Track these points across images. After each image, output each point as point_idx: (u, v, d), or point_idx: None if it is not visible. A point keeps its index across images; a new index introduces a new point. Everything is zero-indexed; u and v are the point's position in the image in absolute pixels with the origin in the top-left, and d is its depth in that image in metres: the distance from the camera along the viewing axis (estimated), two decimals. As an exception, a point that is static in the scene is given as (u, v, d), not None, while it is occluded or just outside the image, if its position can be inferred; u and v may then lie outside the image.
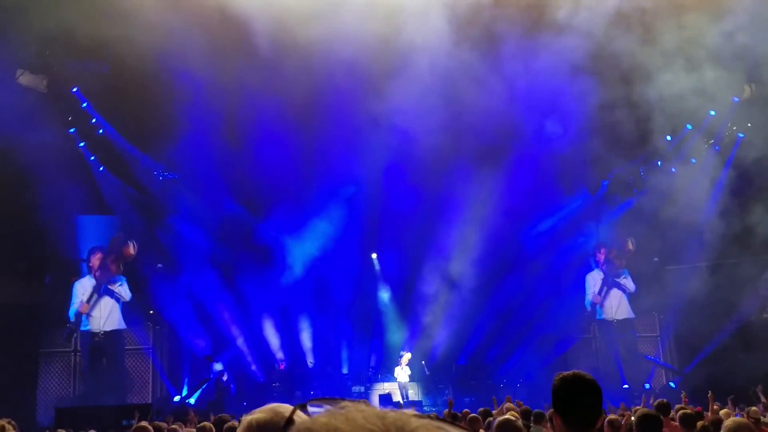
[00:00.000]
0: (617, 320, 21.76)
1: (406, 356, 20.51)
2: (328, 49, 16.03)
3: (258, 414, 1.91)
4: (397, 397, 19.31)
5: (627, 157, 19.98)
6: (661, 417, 6.06)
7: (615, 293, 21.88)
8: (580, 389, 2.98)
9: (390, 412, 0.82)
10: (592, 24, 16.29)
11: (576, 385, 2.98)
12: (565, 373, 3.06)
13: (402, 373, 20.24)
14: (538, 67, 17.21)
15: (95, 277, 19.54)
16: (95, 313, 19.43)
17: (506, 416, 5.39)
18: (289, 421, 1.01)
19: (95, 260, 19.52)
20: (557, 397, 2.99)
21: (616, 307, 21.80)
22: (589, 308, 21.98)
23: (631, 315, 21.77)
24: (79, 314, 19.22)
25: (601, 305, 21.87)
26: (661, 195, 20.59)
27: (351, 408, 0.84)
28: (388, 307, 22.09)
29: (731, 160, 19.74)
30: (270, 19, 15.68)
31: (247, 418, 1.92)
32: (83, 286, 19.49)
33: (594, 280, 22.04)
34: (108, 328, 19.42)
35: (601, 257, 21.96)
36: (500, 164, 19.58)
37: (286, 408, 1.84)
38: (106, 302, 19.53)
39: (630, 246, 21.54)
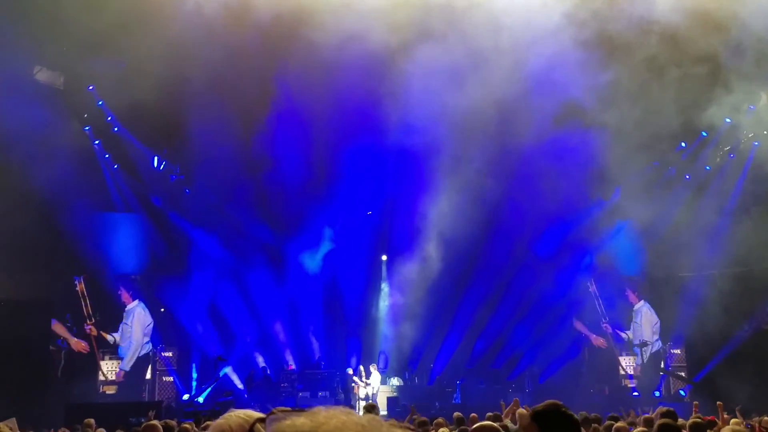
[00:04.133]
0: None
1: (373, 368, 20.53)
2: (342, 51, 16.07)
3: None
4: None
5: (641, 162, 19.82)
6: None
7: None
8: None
9: (367, 416, 0.83)
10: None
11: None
12: (546, 406, 3.33)
13: (373, 378, 20.23)
14: (549, 66, 17.19)
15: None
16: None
17: (485, 422, 5.29)
18: None
19: None
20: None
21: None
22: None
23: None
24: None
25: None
26: (674, 202, 20.49)
27: (331, 410, 0.85)
28: (398, 310, 22.01)
29: (747, 168, 19.60)
30: (283, 19, 15.77)
31: None
32: None
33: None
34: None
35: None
36: (512, 166, 19.51)
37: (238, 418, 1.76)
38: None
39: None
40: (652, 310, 21.46)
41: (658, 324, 21.41)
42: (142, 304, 20.17)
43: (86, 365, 19.35)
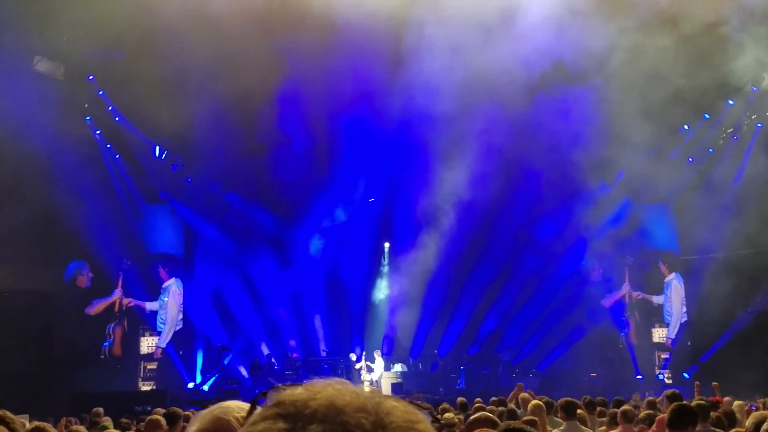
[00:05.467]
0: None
1: (377, 355, 20.61)
2: (342, 35, 15.97)
3: (199, 424, 1.73)
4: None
5: (644, 146, 19.69)
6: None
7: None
8: None
9: (363, 388, 0.91)
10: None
11: None
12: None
13: (377, 364, 20.32)
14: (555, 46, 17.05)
15: None
16: None
17: (481, 413, 5.26)
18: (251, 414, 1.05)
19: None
20: None
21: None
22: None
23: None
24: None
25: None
26: (678, 185, 20.41)
27: (327, 381, 0.91)
28: (401, 296, 21.99)
29: (750, 151, 19.50)
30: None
31: (189, 429, 1.80)
32: None
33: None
34: None
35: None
36: (517, 151, 19.40)
37: (233, 409, 1.77)
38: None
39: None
40: (682, 283, 21.43)
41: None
42: (179, 281, 20.47)
43: (128, 345, 19.84)
